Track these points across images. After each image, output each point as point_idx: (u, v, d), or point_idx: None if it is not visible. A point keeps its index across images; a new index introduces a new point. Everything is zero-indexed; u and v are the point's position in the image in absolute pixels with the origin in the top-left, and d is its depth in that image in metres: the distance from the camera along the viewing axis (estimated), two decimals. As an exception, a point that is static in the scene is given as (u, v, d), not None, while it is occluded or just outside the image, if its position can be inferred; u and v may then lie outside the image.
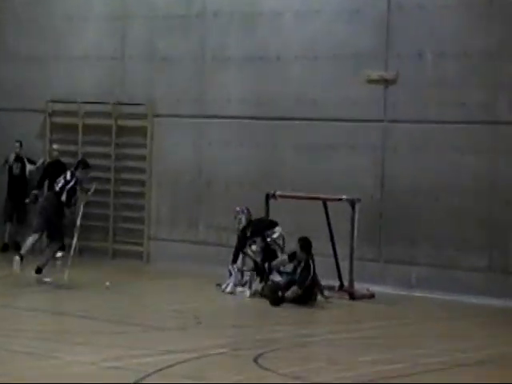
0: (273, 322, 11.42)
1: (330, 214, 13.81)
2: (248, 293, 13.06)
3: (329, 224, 13.76)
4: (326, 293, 12.87)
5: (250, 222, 13.62)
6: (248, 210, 13.79)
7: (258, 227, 13.51)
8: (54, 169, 16.85)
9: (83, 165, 14.09)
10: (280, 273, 13.16)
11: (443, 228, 13.95)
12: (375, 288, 13.47)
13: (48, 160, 17.16)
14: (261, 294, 12.84)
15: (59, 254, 16.45)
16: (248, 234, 13.50)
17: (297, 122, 15.36)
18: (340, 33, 14.96)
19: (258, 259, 13.28)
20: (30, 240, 13.72)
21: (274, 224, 13.57)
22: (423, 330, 11.52)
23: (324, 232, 13.80)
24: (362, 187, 14.31)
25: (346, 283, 13.47)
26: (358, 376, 8.54)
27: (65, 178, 13.83)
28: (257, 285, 13.13)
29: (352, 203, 13.50)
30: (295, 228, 14.00)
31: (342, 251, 13.59)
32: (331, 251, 13.66)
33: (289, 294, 12.48)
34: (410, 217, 14.17)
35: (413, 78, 14.43)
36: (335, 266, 13.57)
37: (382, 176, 14.59)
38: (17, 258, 13.36)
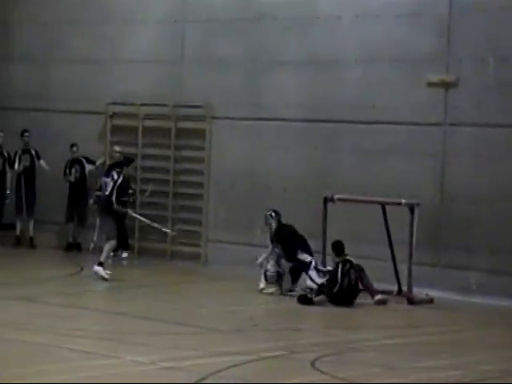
0: (329, 326, 11.43)
1: (388, 218, 13.75)
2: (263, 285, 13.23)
3: (387, 228, 13.69)
4: (379, 297, 12.81)
5: (279, 224, 13.76)
6: (276, 212, 13.88)
7: (289, 240, 13.58)
8: None
9: (128, 162, 14.29)
10: (318, 271, 13.21)
11: (503, 234, 13.80)
12: (434, 293, 13.37)
13: (109, 162, 17.33)
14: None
15: (125, 255, 16.69)
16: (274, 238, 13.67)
17: (355, 125, 15.32)
18: (400, 36, 14.89)
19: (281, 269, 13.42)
20: (107, 247, 14.12)
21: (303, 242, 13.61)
22: (482, 336, 11.41)
23: (382, 236, 13.74)
24: (420, 192, 14.21)
25: (404, 288, 13.41)
26: (414, 382, 8.50)
27: (112, 178, 14.01)
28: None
29: (411, 207, 13.42)
30: (352, 232, 13.98)
31: (400, 256, 13.53)
32: (389, 255, 13.60)
33: (317, 299, 12.59)
34: (470, 221, 14.03)
35: (474, 81, 14.30)
36: (393, 271, 13.51)
37: (442, 180, 14.48)
38: (97, 267, 13.78)
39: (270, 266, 13.46)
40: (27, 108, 18.38)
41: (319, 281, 12.97)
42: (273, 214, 13.85)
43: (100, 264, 13.87)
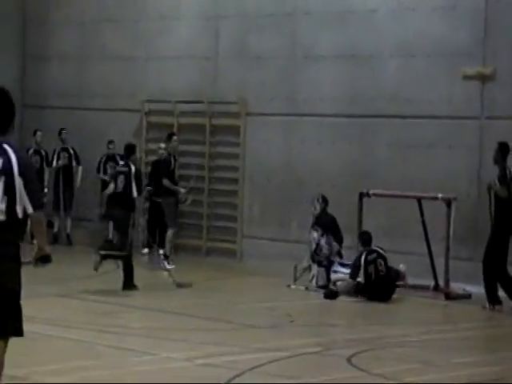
0: (366, 322, 11.37)
1: (425, 212, 13.66)
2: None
3: (423, 222, 13.60)
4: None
5: (322, 211, 13.90)
6: (324, 199, 14.01)
7: (327, 229, 13.73)
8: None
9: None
10: (343, 265, 13.24)
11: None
12: (471, 288, 13.27)
13: (155, 158, 17.23)
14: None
15: (145, 251, 16.72)
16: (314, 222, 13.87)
17: (391, 119, 15.22)
18: (436, 30, 14.78)
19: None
20: (169, 236, 14.74)
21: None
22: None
23: (418, 231, 13.65)
24: (457, 186, 14.10)
25: (441, 283, 13.32)
26: (454, 378, 8.43)
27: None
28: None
29: (448, 202, 13.32)
30: (388, 227, 13.90)
31: (438, 251, 13.43)
32: (426, 250, 13.50)
33: (341, 285, 12.56)
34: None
35: (511, 73, 14.14)
36: (430, 266, 13.42)
37: (479, 174, 14.35)
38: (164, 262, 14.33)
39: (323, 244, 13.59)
40: (64, 106, 18.51)
41: (345, 271, 13.09)
42: (319, 199, 13.99)
43: (165, 256, 14.18)
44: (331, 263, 13.48)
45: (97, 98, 18.26)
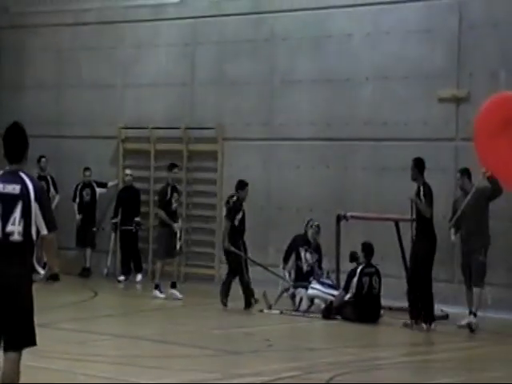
0: (344, 345, 11.37)
1: (402, 234, 13.73)
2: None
3: (401, 244, 13.68)
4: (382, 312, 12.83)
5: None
6: (318, 225, 14.31)
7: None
8: (128, 194, 17.14)
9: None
10: (322, 283, 13.40)
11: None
12: (449, 309, 13.33)
13: (121, 186, 17.44)
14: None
15: (139, 278, 16.74)
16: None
17: (367, 142, 15.35)
18: (411, 53, 14.95)
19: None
20: (158, 267, 14.87)
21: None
22: (500, 352, 11.33)
23: (396, 253, 13.72)
24: (434, 207, 14.17)
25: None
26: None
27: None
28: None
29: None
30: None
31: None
32: (403, 272, 13.56)
33: (336, 300, 12.69)
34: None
35: (485, 95, 14.27)
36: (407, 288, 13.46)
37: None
38: (172, 291, 14.52)
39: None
40: (41, 135, 18.43)
41: (322, 288, 13.24)
42: (313, 225, 14.29)
43: (173, 285, 14.51)
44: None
45: (74, 126, 18.29)
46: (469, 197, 12.30)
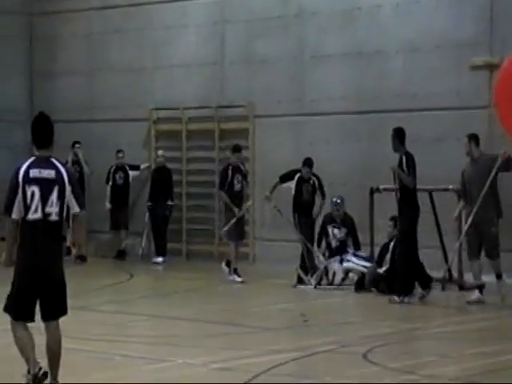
0: (380, 318, 11.35)
1: (436, 205, 13.65)
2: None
3: (435, 215, 13.60)
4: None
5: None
6: (343, 198, 14.43)
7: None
8: (161, 175, 17.21)
9: None
10: (356, 256, 13.54)
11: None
12: (485, 278, 13.24)
13: (153, 167, 17.51)
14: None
15: (160, 259, 16.80)
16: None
17: (399, 114, 15.23)
18: (441, 22, 14.80)
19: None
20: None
21: None
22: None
23: (430, 223, 13.65)
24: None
25: (454, 274, 13.31)
26: (470, 369, 8.43)
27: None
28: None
29: (458, 193, 13.30)
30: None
31: (450, 242, 13.42)
32: (438, 243, 13.50)
33: (368, 273, 12.83)
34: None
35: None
36: (443, 257, 13.42)
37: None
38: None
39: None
40: (73, 120, 18.63)
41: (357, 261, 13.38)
42: (338, 200, 14.38)
43: (233, 270, 14.22)
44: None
45: (105, 110, 18.39)
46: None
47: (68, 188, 7.09)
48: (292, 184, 14.11)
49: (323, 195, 14.33)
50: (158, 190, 17.08)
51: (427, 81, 14.97)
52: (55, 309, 7.18)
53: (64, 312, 7.25)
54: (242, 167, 14.67)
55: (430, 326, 10.65)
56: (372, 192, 14.20)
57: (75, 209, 7.15)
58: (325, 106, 15.98)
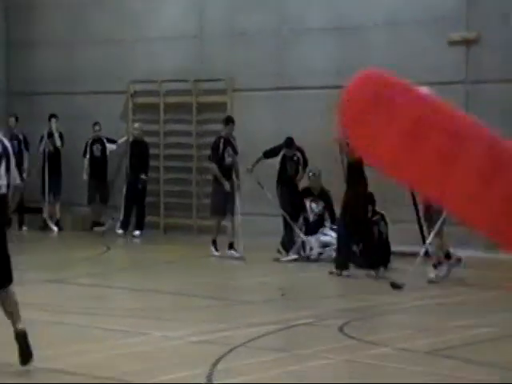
0: (358, 292, 11.41)
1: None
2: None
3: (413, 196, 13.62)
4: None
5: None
6: (320, 171, 14.36)
7: None
8: (138, 149, 17.14)
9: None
10: (333, 229, 13.60)
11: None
12: (462, 253, 13.32)
13: (131, 140, 17.43)
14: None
15: (137, 233, 16.75)
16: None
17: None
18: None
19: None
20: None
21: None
22: (512, 293, 11.36)
23: (407, 198, 13.69)
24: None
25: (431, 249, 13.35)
26: (448, 341, 8.48)
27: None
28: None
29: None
30: (379, 194, 13.86)
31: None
32: (415, 217, 13.54)
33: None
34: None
35: (496, 37, 14.16)
36: (419, 232, 13.47)
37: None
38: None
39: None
40: (51, 92, 18.50)
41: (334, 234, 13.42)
42: (316, 173, 14.24)
43: (230, 246, 14.00)
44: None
45: (84, 82, 18.26)
46: None
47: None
48: (277, 159, 14.12)
49: (305, 165, 14.32)
50: (135, 163, 17.00)
51: (407, 55, 14.96)
52: (5, 276, 7.31)
53: (11, 279, 7.36)
54: (233, 141, 14.42)
55: (408, 300, 10.69)
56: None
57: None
58: (305, 80, 15.95)
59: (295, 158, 14.25)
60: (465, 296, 11.05)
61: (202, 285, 11.85)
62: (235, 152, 14.25)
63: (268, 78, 16.34)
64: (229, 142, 14.19)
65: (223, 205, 14.02)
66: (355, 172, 12.11)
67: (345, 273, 12.16)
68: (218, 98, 16.84)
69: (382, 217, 12.99)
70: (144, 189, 16.91)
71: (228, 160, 14.07)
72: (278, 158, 14.19)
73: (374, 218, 12.92)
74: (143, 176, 16.84)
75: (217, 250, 14.13)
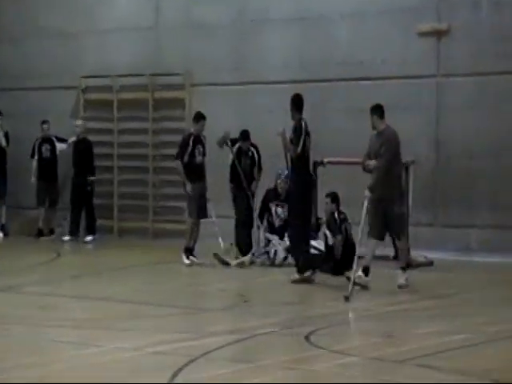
0: (323, 297, 11.35)
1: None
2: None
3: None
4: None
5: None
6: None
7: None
8: (81, 147, 16.88)
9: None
10: None
11: (504, 188, 13.74)
12: (433, 255, 13.35)
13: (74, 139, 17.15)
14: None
15: (89, 238, 16.59)
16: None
17: (343, 83, 15.21)
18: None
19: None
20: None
21: None
22: (485, 297, 11.38)
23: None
24: (415, 149, 14.13)
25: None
26: (418, 349, 8.46)
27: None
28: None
29: (405, 166, 13.33)
30: (346, 196, 13.87)
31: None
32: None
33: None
34: (468, 178, 14.00)
35: (467, 28, 14.20)
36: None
37: (437, 135, 14.41)
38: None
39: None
40: (0, 88, 18.27)
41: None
42: (282, 175, 13.92)
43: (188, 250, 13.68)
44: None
45: (35, 78, 18.09)
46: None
47: None
48: (231, 154, 13.98)
49: (259, 168, 14.24)
50: (79, 163, 16.77)
51: (373, 48, 14.97)
52: None
53: None
54: (204, 139, 14.06)
55: (376, 306, 10.66)
56: (315, 165, 14.14)
57: None
58: (267, 74, 15.89)
59: (250, 153, 14.17)
60: (434, 300, 11.04)
61: (159, 292, 11.75)
62: (204, 153, 13.91)
63: (228, 72, 16.28)
64: (199, 140, 13.91)
65: (200, 207, 13.69)
66: (299, 168, 11.99)
67: (307, 274, 12.02)
68: (176, 93, 16.73)
69: (345, 216, 12.96)
70: (92, 190, 16.70)
71: (199, 159, 13.78)
72: (232, 153, 14.00)
73: (341, 217, 12.88)
74: (90, 177, 16.64)
75: (190, 256, 13.67)
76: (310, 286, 12.11)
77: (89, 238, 16.61)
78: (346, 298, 10.76)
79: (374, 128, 11.80)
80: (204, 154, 13.88)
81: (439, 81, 14.44)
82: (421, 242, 13.45)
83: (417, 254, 13.25)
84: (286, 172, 13.39)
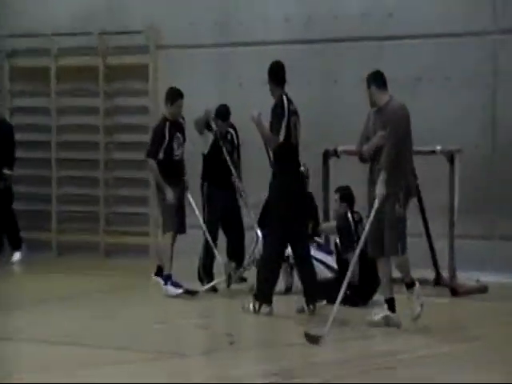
0: (338, 335, 11.38)
1: (418, 173, 13.73)
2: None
3: (417, 187, 13.69)
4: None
5: None
6: None
7: None
8: None
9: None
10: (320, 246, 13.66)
11: None
12: (487, 277, 13.47)
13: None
14: None
15: (17, 257, 16.70)
16: None
17: (363, 43, 15.34)
18: None
19: None
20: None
21: None
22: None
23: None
24: (462, 134, 14.27)
25: (444, 273, 13.48)
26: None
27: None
28: None
29: (450, 156, 13.45)
30: (365, 195, 13.96)
31: (437, 227, 13.52)
32: (420, 227, 13.63)
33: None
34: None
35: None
36: (428, 249, 13.57)
37: (493, 116, 14.53)
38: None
39: None
40: None
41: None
42: None
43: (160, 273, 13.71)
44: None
45: None
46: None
47: None
48: (210, 140, 13.91)
49: (238, 155, 14.19)
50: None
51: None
52: None
53: None
54: (184, 123, 13.93)
55: (412, 348, 10.78)
56: (327, 155, 14.25)
57: None
58: (260, 31, 15.99)
59: (229, 137, 14.12)
60: (488, 342, 11.15)
61: (117, 330, 11.78)
62: (183, 142, 13.82)
63: (207, 30, 16.40)
64: (178, 126, 13.76)
65: (178, 218, 13.66)
66: (282, 163, 12.08)
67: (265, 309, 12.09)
68: (136, 58, 16.85)
69: (360, 216, 13.07)
70: (9, 189, 16.71)
71: (178, 152, 13.69)
72: (209, 141, 13.96)
73: (355, 218, 13.01)
74: (6, 171, 16.65)
75: (178, 286, 13.62)
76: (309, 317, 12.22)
77: (16, 255, 16.67)
78: (315, 339, 10.64)
79: (372, 105, 11.73)
80: (184, 142, 13.79)
81: (496, 39, 14.59)
82: (471, 260, 13.56)
83: (466, 277, 13.36)
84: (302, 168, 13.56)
